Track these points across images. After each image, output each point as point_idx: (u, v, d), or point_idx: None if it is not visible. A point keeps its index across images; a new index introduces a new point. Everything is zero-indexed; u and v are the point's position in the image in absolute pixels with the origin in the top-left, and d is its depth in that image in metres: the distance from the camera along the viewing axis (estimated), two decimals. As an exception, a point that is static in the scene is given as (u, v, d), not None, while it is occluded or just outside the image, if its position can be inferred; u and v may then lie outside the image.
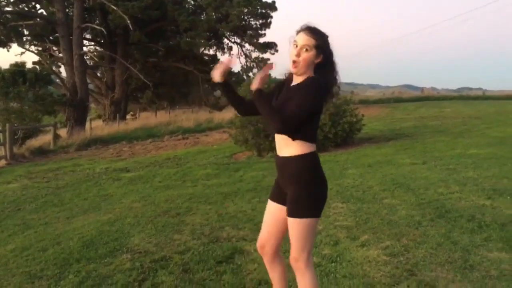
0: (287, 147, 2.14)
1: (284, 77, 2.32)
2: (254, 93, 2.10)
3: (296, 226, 2.13)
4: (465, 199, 4.81)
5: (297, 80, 2.16)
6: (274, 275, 2.42)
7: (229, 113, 11.19)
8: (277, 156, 2.24)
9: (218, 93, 30.33)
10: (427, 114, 17.95)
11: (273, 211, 2.33)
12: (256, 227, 4.38)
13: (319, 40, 2.09)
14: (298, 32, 2.12)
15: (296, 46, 2.08)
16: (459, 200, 4.79)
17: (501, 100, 28.55)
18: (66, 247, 4.18)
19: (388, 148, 9.10)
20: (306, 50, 2.07)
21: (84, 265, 3.69)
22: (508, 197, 4.71)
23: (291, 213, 2.14)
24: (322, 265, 3.33)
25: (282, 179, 2.25)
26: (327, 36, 2.14)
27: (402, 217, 4.35)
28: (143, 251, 3.93)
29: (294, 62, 2.09)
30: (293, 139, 2.11)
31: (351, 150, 9.35)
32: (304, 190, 2.12)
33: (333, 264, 3.34)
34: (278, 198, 2.29)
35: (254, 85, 2.11)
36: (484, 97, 31.44)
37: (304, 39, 2.08)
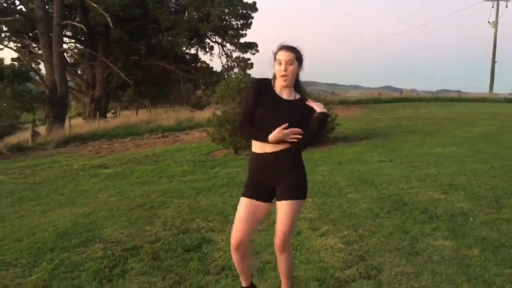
0: (279, 143, 2.41)
1: (254, 82, 2.55)
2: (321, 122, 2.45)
3: (294, 207, 2.43)
4: (423, 193, 5.12)
5: (286, 91, 2.49)
6: (244, 267, 2.63)
7: (209, 113, 11.39)
8: (264, 153, 2.44)
9: (199, 92, 30.48)
10: (403, 115, 18.42)
11: (253, 209, 2.49)
12: (226, 219, 4.63)
13: (297, 54, 2.45)
14: (277, 52, 2.46)
15: (280, 63, 2.42)
16: (417, 194, 5.10)
17: (476, 102, 29.33)
18: (40, 238, 4.34)
19: (359, 147, 9.42)
20: (291, 64, 2.42)
21: (58, 254, 3.87)
22: (462, 192, 5.04)
23: (293, 196, 2.43)
24: (283, 253, 3.57)
25: (272, 172, 2.45)
26: (301, 50, 2.50)
27: (362, 209, 4.63)
28: (115, 241, 4.12)
29: (284, 76, 2.42)
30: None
31: (325, 149, 9.65)
32: (302, 175, 2.51)
33: (293, 251, 3.58)
34: (257, 195, 2.49)
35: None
36: (460, 99, 32.22)
37: (286, 55, 2.41)
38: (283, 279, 2.64)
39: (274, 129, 2.35)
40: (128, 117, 26.37)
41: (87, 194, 6.70)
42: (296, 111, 2.43)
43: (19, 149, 13.93)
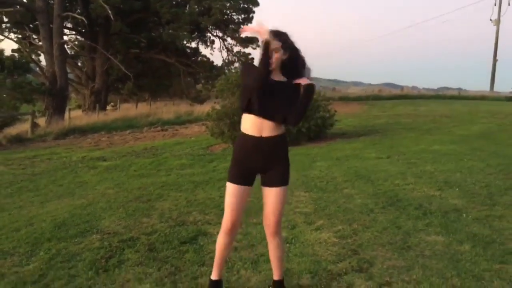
0: (275, 127, 2.50)
1: (246, 63, 2.73)
2: (309, 87, 2.48)
3: (285, 193, 2.59)
4: (418, 190, 5.17)
5: (277, 75, 2.52)
6: (226, 255, 2.76)
7: (209, 107, 11.43)
8: (260, 137, 2.48)
9: (199, 86, 30.45)
10: (403, 112, 18.43)
11: (242, 194, 2.54)
12: (222, 212, 4.60)
13: (283, 41, 2.47)
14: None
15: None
16: (412, 190, 5.14)
17: (476, 100, 29.31)
18: (38, 228, 4.39)
19: (358, 143, 9.45)
20: (276, 52, 2.45)
21: (55, 244, 3.92)
22: (457, 189, 5.08)
23: (284, 182, 2.57)
24: (278, 246, 3.62)
25: (265, 158, 2.51)
26: (286, 35, 2.52)
27: (357, 205, 4.68)
28: (112, 232, 4.17)
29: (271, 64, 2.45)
30: (279, 122, 2.51)
31: (323, 145, 9.68)
32: (288, 162, 2.63)
33: (287, 245, 3.63)
34: (246, 180, 2.55)
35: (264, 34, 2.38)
36: (460, 97, 32.21)
37: (273, 43, 2.43)
38: (275, 267, 2.72)
39: (268, 109, 2.43)
40: (128, 110, 26.39)
41: (85, 185, 6.75)
42: (285, 89, 2.50)
43: (19, 140, 13.97)
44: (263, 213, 2.64)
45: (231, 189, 2.56)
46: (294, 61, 2.54)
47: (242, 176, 2.55)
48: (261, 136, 2.48)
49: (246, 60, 25.94)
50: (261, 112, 2.45)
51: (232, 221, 2.57)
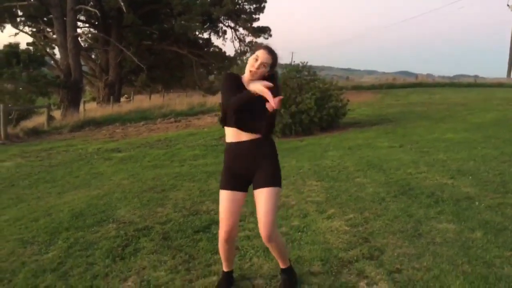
0: (254, 133, 2.52)
1: (226, 75, 2.63)
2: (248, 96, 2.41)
3: (274, 195, 2.50)
4: (430, 178, 5.16)
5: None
6: (231, 256, 2.78)
7: (220, 97, 11.55)
8: (240, 141, 2.52)
9: (211, 77, 30.50)
10: (416, 100, 18.25)
11: (235, 199, 2.56)
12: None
13: (274, 60, 2.55)
14: (260, 48, 2.54)
15: (257, 59, 2.48)
16: (425, 179, 5.14)
17: (492, 88, 28.82)
18: (56, 218, 4.52)
19: (370, 132, 9.43)
20: (264, 66, 2.50)
21: (73, 233, 4.03)
22: (470, 177, 5.06)
23: (272, 183, 2.52)
24: (290, 234, 3.68)
25: (249, 160, 2.53)
26: (277, 56, 2.60)
27: (369, 193, 4.70)
28: (127, 222, 4.27)
29: (252, 73, 2.49)
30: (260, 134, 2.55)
31: (336, 134, 9.67)
32: (277, 164, 2.61)
33: (299, 233, 3.68)
34: (236, 185, 2.57)
35: (271, 102, 2.34)
36: (476, 85, 31.73)
37: (265, 57, 2.50)
38: (278, 259, 2.76)
39: (248, 120, 2.46)
40: (141, 101, 26.61)
41: (101, 176, 6.87)
42: (261, 102, 2.42)
43: (35, 132, 14.22)
44: (257, 217, 2.56)
45: (223, 196, 2.58)
46: (270, 76, 2.56)
47: (232, 182, 2.57)
48: (241, 141, 2.53)
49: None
50: (239, 127, 2.50)
51: (226, 230, 2.58)
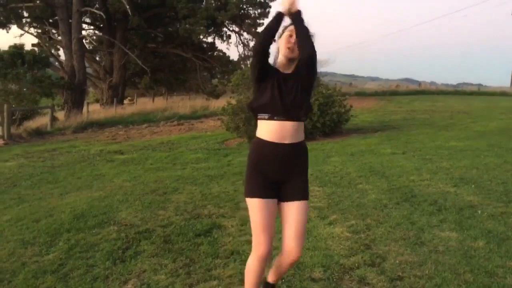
0: (297, 132, 2.21)
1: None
2: (296, 14, 2.21)
3: (306, 208, 2.25)
4: (433, 186, 5.14)
5: (289, 67, 2.30)
6: (261, 278, 2.34)
7: (225, 101, 11.53)
8: (281, 143, 2.18)
9: (215, 81, 30.56)
10: (419, 107, 18.22)
11: (272, 209, 2.21)
12: (236, 206, 4.73)
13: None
14: (289, 25, 2.29)
15: (291, 35, 2.25)
16: (427, 186, 5.12)
17: (496, 96, 28.78)
18: (58, 219, 4.52)
19: (373, 139, 9.40)
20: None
21: (74, 234, 4.03)
22: (473, 185, 5.04)
23: (305, 196, 2.24)
24: (291, 240, 3.67)
25: (288, 166, 2.22)
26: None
27: (371, 200, 4.68)
28: (129, 224, 4.27)
29: (290, 48, 2.25)
30: (303, 121, 2.25)
31: (338, 140, 9.66)
32: (307, 173, 2.31)
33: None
34: (270, 192, 2.21)
35: (294, 6, 2.20)
36: (479, 93, 31.67)
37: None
38: (275, 273, 2.43)
39: (279, 106, 2.16)
40: (145, 104, 26.63)
41: (103, 178, 6.87)
42: (297, 81, 2.24)
43: (38, 133, 14.24)
44: (282, 236, 2.25)
45: (256, 205, 2.19)
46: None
47: (264, 188, 2.20)
48: (282, 143, 2.18)
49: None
50: (279, 114, 2.17)
51: (267, 241, 2.18)
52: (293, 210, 2.20)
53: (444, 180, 5.36)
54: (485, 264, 2.98)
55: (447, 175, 5.62)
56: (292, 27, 2.26)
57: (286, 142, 2.18)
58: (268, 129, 2.20)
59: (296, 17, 2.22)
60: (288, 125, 2.18)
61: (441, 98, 24.52)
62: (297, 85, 2.22)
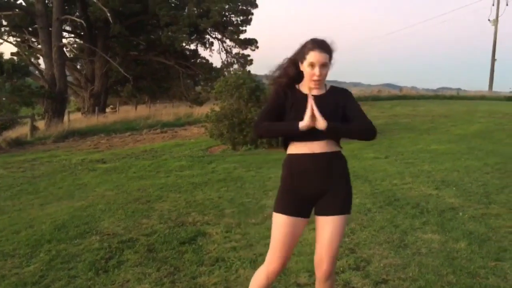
0: (328, 144, 2.10)
1: (268, 79, 2.30)
2: (332, 129, 2.00)
3: (344, 224, 2.12)
4: (415, 189, 5.21)
5: (317, 90, 2.15)
6: None
7: (209, 108, 11.53)
8: (313, 154, 2.07)
9: (198, 88, 30.50)
10: (401, 112, 18.45)
11: (296, 229, 2.11)
12: (221, 213, 4.71)
13: (330, 53, 2.11)
14: (308, 50, 2.09)
15: (313, 65, 2.06)
16: (410, 190, 5.18)
17: (475, 100, 29.32)
18: (38, 230, 4.43)
19: (356, 144, 9.46)
20: (325, 66, 2.09)
21: (55, 245, 3.95)
22: (454, 188, 5.12)
23: (344, 210, 2.10)
24: (276, 246, 3.66)
25: (321, 178, 2.09)
26: (334, 48, 2.15)
27: (355, 204, 4.70)
28: (111, 233, 4.21)
29: (317, 81, 2.08)
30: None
31: (322, 145, 9.72)
32: (350, 185, 2.19)
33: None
34: (299, 210, 2.10)
35: (321, 124, 1.98)
36: (459, 97, 32.21)
37: (320, 57, 2.06)
38: None
39: (308, 132, 2.02)
40: (127, 112, 26.41)
41: (85, 188, 6.77)
42: (328, 104, 2.09)
43: (18, 143, 13.98)
44: (315, 250, 2.16)
45: (281, 221, 2.10)
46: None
47: (293, 206, 2.09)
48: (313, 153, 2.07)
49: (245, 62, 25.94)
50: (309, 139, 2.07)
51: (282, 258, 2.11)
52: (327, 225, 2.09)
53: (426, 183, 5.43)
54: (467, 265, 3.02)
55: (428, 178, 5.70)
56: (310, 55, 2.07)
57: (320, 151, 2.08)
58: (299, 148, 2.11)
59: (331, 132, 2.04)
60: (317, 143, 2.08)
61: (422, 103, 24.87)
62: (328, 109, 2.06)
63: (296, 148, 2.11)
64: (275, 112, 2.14)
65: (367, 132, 2.09)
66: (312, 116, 1.96)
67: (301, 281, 2.96)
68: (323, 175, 2.08)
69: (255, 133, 2.17)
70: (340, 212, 2.08)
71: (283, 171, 2.18)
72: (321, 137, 2.06)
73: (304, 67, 2.10)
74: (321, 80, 2.09)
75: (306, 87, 2.13)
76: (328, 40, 2.12)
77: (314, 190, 2.09)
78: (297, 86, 2.19)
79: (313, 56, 2.06)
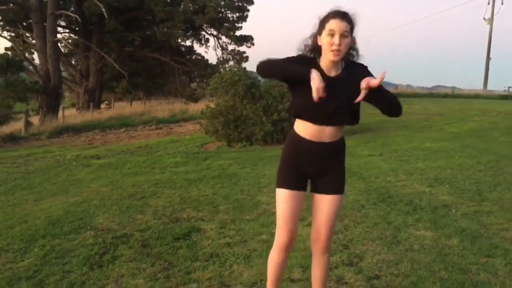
0: (338, 133, 2.16)
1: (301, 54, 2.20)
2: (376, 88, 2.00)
3: (340, 202, 2.24)
4: (409, 186, 5.24)
5: (335, 67, 2.11)
6: (283, 272, 2.41)
7: (204, 105, 11.54)
8: (320, 142, 2.12)
9: (194, 84, 30.47)
10: (396, 110, 18.52)
11: (297, 200, 2.21)
12: (215, 209, 4.72)
13: (351, 23, 2.04)
14: (327, 19, 2.03)
15: (333, 34, 1.99)
16: (403, 187, 5.22)
17: (470, 99, 29.45)
18: (32, 225, 4.42)
19: (351, 141, 9.51)
20: (345, 36, 2.00)
21: (49, 240, 3.95)
22: (447, 185, 5.16)
23: (340, 190, 2.23)
24: (270, 241, 3.65)
25: (323, 163, 2.18)
26: (355, 18, 2.08)
27: (349, 201, 4.74)
28: (106, 229, 4.21)
29: (337, 50, 2.00)
30: (347, 124, 2.18)
31: (317, 142, 9.75)
32: (344, 167, 2.28)
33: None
34: (300, 184, 2.21)
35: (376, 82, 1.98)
36: (454, 95, 32.37)
37: (341, 25, 1.99)
38: (319, 283, 2.39)
39: (321, 114, 2.06)
40: (122, 108, 26.36)
41: (79, 183, 6.76)
42: (345, 86, 2.06)
43: (12, 138, 13.93)
44: (312, 225, 2.31)
45: (284, 195, 2.19)
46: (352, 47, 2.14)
47: (295, 180, 2.19)
48: (321, 142, 2.13)
49: (240, 58, 25.91)
50: (320, 121, 2.09)
51: (289, 232, 2.21)
52: (326, 203, 2.22)
53: (419, 181, 5.47)
54: (459, 261, 3.06)
55: (422, 176, 5.74)
56: (330, 23, 2.00)
57: (325, 141, 2.13)
58: (307, 130, 2.13)
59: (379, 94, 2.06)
60: (329, 129, 2.11)
61: (417, 101, 24.96)
62: (345, 91, 2.05)
63: (305, 131, 2.14)
64: (293, 61, 2.08)
65: (400, 106, 2.14)
66: (318, 90, 1.93)
67: (295, 276, 2.98)
68: (325, 160, 2.18)
69: (261, 63, 2.12)
70: (339, 192, 2.23)
71: (286, 149, 2.24)
72: (334, 119, 2.09)
73: (323, 37, 2.03)
74: (340, 51, 2.00)
75: (324, 62, 2.09)
76: (351, 12, 2.05)
77: (314, 170, 2.20)
78: (318, 61, 2.14)
79: (333, 23, 2.00)
